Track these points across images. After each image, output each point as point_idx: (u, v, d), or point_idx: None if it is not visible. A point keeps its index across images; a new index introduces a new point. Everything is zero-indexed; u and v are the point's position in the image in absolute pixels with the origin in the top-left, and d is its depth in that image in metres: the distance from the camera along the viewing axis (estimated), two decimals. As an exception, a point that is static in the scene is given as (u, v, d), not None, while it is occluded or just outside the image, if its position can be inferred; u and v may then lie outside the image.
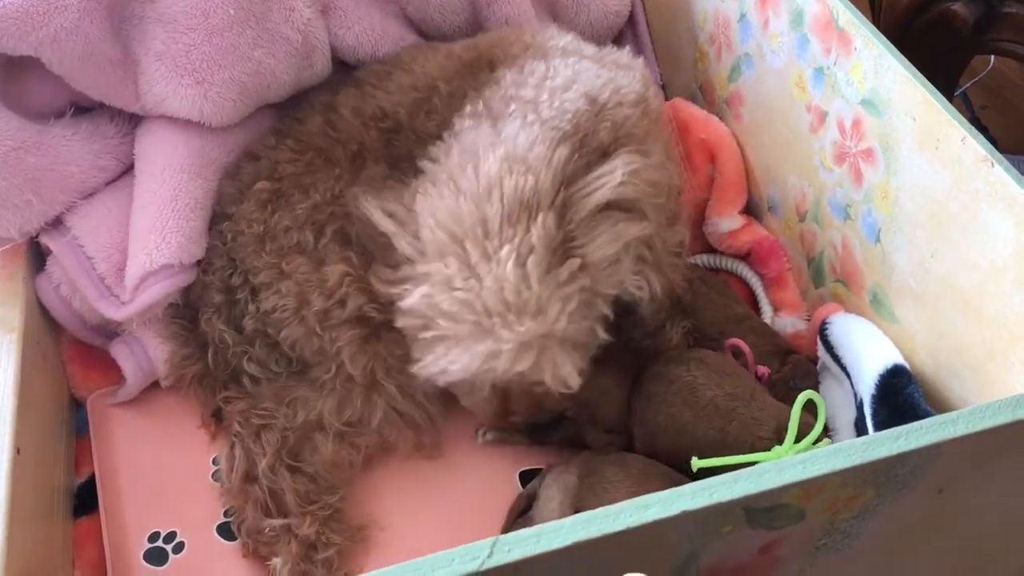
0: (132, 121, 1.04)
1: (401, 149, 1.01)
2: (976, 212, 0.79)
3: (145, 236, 0.96)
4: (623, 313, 0.93)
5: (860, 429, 0.89)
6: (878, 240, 0.92)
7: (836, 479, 0.59)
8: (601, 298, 0.87)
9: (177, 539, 0.95)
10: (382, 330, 0.96)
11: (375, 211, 0.89)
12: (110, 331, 1.03)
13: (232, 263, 1.00)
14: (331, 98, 1.06)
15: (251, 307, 0.99)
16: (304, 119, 1.05)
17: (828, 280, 1.03)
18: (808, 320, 1.06)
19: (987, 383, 0.81)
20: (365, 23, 1.11)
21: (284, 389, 0.99)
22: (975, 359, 0.82)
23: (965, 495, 0.68)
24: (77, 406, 1.07)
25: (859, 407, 0.89)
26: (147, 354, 1.02)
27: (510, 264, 0.82)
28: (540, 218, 0.82)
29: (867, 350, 0.90)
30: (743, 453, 0.86)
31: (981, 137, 0.78)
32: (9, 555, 0.77)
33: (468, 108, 0.94)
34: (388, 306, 0.91)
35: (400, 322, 0.87)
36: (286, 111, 1.09)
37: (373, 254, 0.93)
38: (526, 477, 1.00)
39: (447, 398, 0.99)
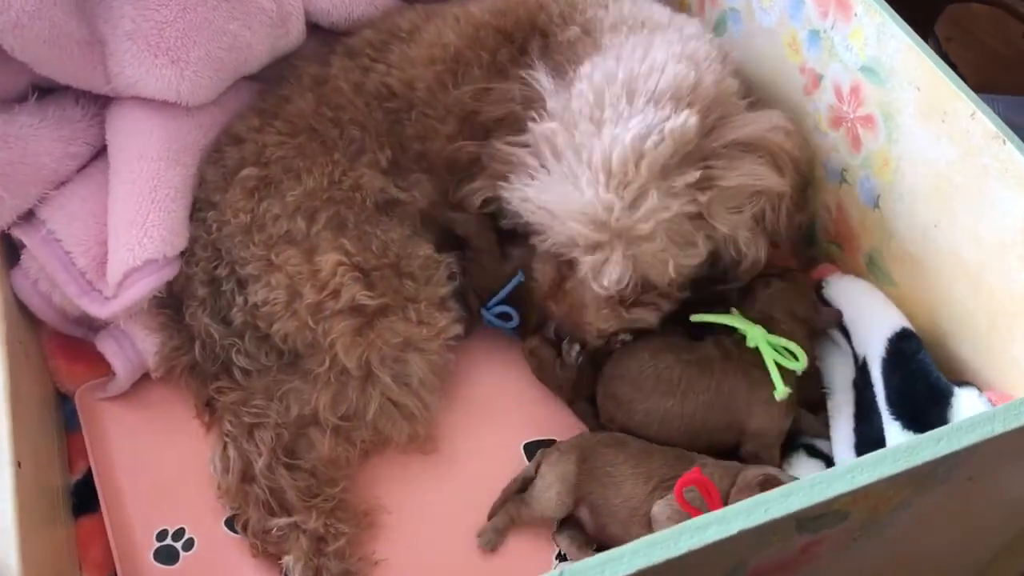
0: (99, 102, 0.99)
1: (413, 128, 0.98)
2: (984, 187, 0.80)
3: (126, 230, 0.92)
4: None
5: (861, 389, 0.91)
6: (877, 206, 0.93)
7: (882, 484, 0.60)
8: (706, 234, 0.88)
9: (187, 536, 0.93)
10: (376, 318, 0.94)
11: (541, 75, 0.92)
12: (93, 322, 1.00)
13: (217, 254, 0.97)
14: (321, 71, 1.01)
15: (238, 299, 0.96)
16: (292, 97, 1.00)
17: (821, 241, 1.04)
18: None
19: (990, 352, 0.84)
20: (338, -14, 1.06)
21: (276, 383, 0.96)
22: (977, 327, 0.84)
23: (993, 480, 0.70)
24: (62, 399, 1.03)
25: (861, 367, 0.91)
26: (135, 347, 0.98)
27: (630, 135, 0.83)
28: (684, 114, 0.84)
29: (870, 312, 0.92)
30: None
31: (991, 112, 0.78)
32: (25, 570, 0.75)
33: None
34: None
35: (519, 155, 0.90)
36: (263, 84, 1.04)
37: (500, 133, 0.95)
38: (531, 449, 1.01)
39: (442, 386, 0.98)
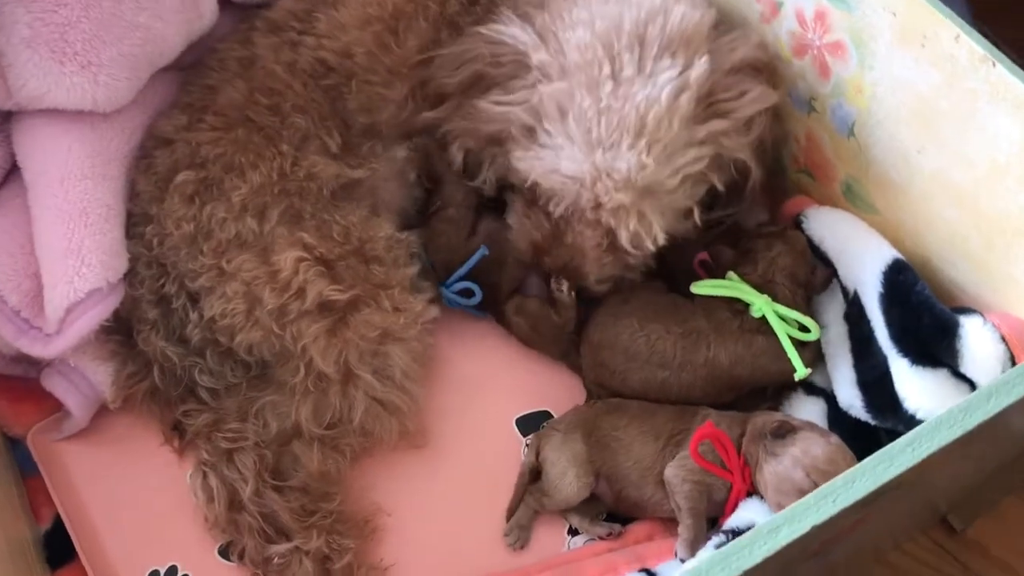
0: (2, 118, 0.88)
1: (356, 100, 0.92)
2: (973, 111, 0.77)
3: (60, 262, 0.83)
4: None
5: (854, 322, 0.89)
6: (852, 134, 0.90)
7: (941, 452, 0.58)
8: (721, 165, 0.87)
9: (180, 573, 0.88)
10: (348, 313, 0.88)
11: (512, 28, 0.87)
12: (34, 359, 0.91)
13: (163, 270, 0.89)
14: (246, 52, 0.92)
15: (192, 315, 0.89)
16: (220, 86, 0.91)
17: (791, 171, 1.01)
18: (768, 211, 1.05)
19: (986, 272, 0.83)
20: (245, -47, 0.96)
21: (248, 400, 0.90)
22: (971, 250, 0.83)
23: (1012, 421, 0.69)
24: (12, 443, 0.95)
25: (852, 301, 0.89)
26: (87, 380, 0.91)
27: (667, 90, 0.81)
28: (703, 59, 0.83)
29: (857, 245, 0.90)
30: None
31: (976, 34, 0.75)
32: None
33: None
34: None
35: (516, 115, 0.86)
36: (180, 72, 0.95)
37: (468, 95, 0.90)
38: (525, 423, 0.97)
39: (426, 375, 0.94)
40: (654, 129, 0.82)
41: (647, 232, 0.87)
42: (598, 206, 0.86)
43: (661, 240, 0.88)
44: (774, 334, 0.88)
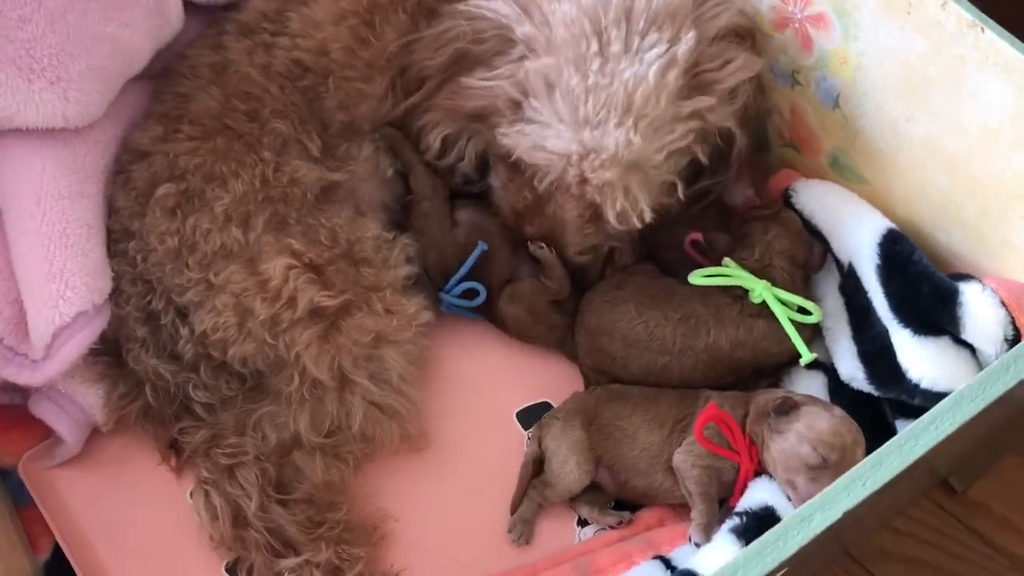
0: (-32, 140, 0.85)
1: (334, 98, 0.90)
2: (962, 77, 0.77)
3: (43, 286, 0.80)
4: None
5: (850, 294, 0.89)
6: (837, 105, 0.90)
7: (964, 427, 0.58)
8: (706, 137, 0.87)
9: (190, 595, 0.86)
10: (340, 318, 0.86)
11: (493, 2, 0.84)
12: (19, 386, 0.88)
13: (148, 287, 0.87)
14: (218, 57, 0.90)
15: (183, 331, 0.87)
16: (194, 94, 0.88)
17: (775, 145, 1.00)
18: (753, 187, 1.04)
19: (981, 238, 0.83)
20: (208, -47, 0.93)
21: (244, 412, 0.88)
22: (964, 216, 0.83)
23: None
24: (3, 474, 0.92)
25: (847, 273, 0.89)
26: (78, 405, 0.88)
27: (655, 67, 0.80)
28: (690, 34, 0.82)
29: (848, 216, 0.90)
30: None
31: (965, 1, 0.74)
32: None
33: None
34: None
35: (502, 90, 0.85)
36: (149, 80, 0.92)
37: (450, 74, 0.88)
38: (525, 417, 0.96)
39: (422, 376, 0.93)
40: (641, 106, 0.81)
41: (633, 208, 0.86)
42: (583, 182, 0.85)
43: (648, 217, 0.87)
44: (775, 318, 0.87)
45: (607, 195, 0.85)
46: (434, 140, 0.93)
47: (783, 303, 0.88)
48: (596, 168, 0.83)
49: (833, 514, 0.54)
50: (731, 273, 0.89)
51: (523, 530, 0.89)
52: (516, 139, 0.85)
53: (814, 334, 0.91)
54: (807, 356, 0.86)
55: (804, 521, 0.54)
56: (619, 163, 0.82)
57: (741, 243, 0.92)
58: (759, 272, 0.89)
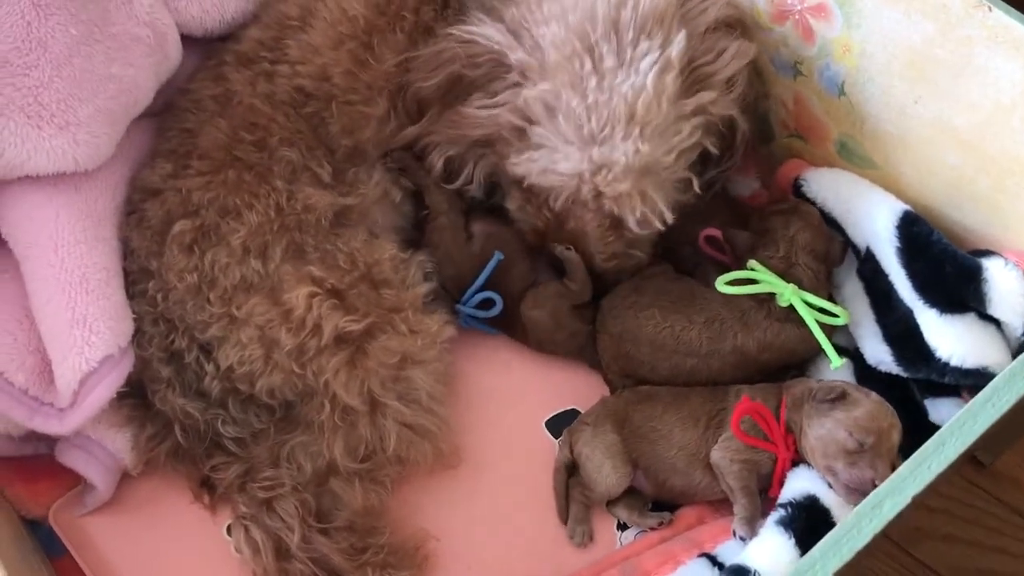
0: (-20, 190, 0.84)
1: (339, 123, 0.90)
2: (971, 56, 0.78)
3: (66, 333, 0.79)
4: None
5: (869, 279, 0.90)
6: (843, 93, 0.90)
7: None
8: (711, 130, 0.87)
9: (238, 634, 0.85)
10: (365, 342, 0.86)
11: (484, 28, 0.85)
12: (44, 435, 0.87)
13: (170, 326, 0.86)
14: (220, 89, 0.89)
15: (208, 367, 0.86)
16: (201, 128, 0.88)
17: (780, 136, 1.01)
18: (760, 179, 1.05)
19: (997, 213, 0.84)
20: (203, -14, 0.92)
21: (277, 444, 0.88)
22: (979, 192, 0.84)
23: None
24: (32, 525, 0.91)
25: (865, 258, 0.90)
26: (106, 450, 0.87)
27: (651, 74, 0.81)
28: (681, 34, 0.83)
29: (862, 201, 0.90)
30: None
31: (969, -18, 0.75)
32: None
33: None
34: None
35: (504, 118, 0.85)
36: (152, 117, 0.91)
37: (447, 101, 0.89)
38: (554, 425, 0.96)
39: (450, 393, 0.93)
40: (644, 114, 0.81)
41: (653, 211, 0.87)
42: (599, 195, 0.86)
43: (668, 218, 0.88)
44: (802, 321, 0.87)
45: (624, 204, 0.85)
46: (437, 160, 0.93)
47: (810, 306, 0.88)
48: (610, 181, 0.83)
49: (903, 499, 0.55)
50: (759, 278, 0.89)
51: (582, 531, 0.89)
52: (527, 166, 0.86)
53: (836, 327, 0.92)
54: (836, 362, 0.86)
55: (876, 508, 0.55)
56: (631, 172, 0.83)
57: (763, 240, 0.92)
58: (785, 273, 0.89)
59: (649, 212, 0.86)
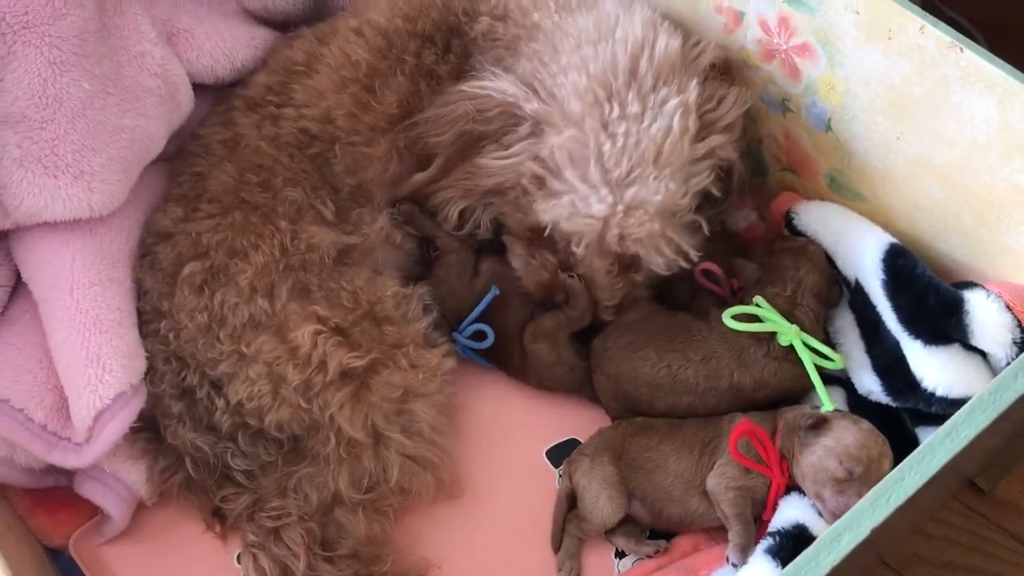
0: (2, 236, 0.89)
1: (342, 163, 0.94)
2: (947, 95, 0.80)
3: (81, 372, 0.84)
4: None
5: (860, 310, 0.92)
6: (829, 128, 0.93)
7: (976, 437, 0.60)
8: (715, 173, 0.91)
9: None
10: (369, 377, 0.89)
11: (498, 82, 0.88)
12: (63, 468, 0.91)
13: (182, 363, 0.90)
14: (228, 133, 0.93)
15: (219, 403, 0.90)
16: (209, 172, 0.92)
17: (773, 169, 1.03)
18: (756, 211, 1.07)
19: (980, 245, 0.85)
20: (214, 37, 0.97)
21: (285, 475, 0.91)
22: (962, 225, 0.86)
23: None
24: (53, 554, 0.95)
25: (855, 290, 0.92)
26: (122, 482, 0.91)
27: (677, 117, 0.85)
28: (693, 81, 0.87)
29: (851, 233, 0.92)
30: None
31: (941, 24, 0.78)
32: None
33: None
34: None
35: (524, 167, 0.89)
36: (164, 162, 0.96)
37: (459, 155, 0.92)
38: (554, 455, 0.99)
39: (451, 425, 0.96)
40: (669, 155, 0.86)
41: (677, 252, 0.91)
42: (622, 238, 0.89)
43: (694, 257, 0.92)
44: (799, 362, 0.89)
45: (650, 246, 0.89)
46: (452, 214, 0.97)
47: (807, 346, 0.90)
48: (643, 222, 0.87)
49: (861, 532, 0.57)
50: (764, 316, 0.91)
51: (571, 566, 0.91)
52: (553, 213, 0.89)
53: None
54: (829, 406, 0.87)
55: (834, 541, 0.56)
56: (661, 213, 0.87)
57: (771, 276, 0.94)
58: (789, 313, 0.91)
59: (672, 253, 0.90)
